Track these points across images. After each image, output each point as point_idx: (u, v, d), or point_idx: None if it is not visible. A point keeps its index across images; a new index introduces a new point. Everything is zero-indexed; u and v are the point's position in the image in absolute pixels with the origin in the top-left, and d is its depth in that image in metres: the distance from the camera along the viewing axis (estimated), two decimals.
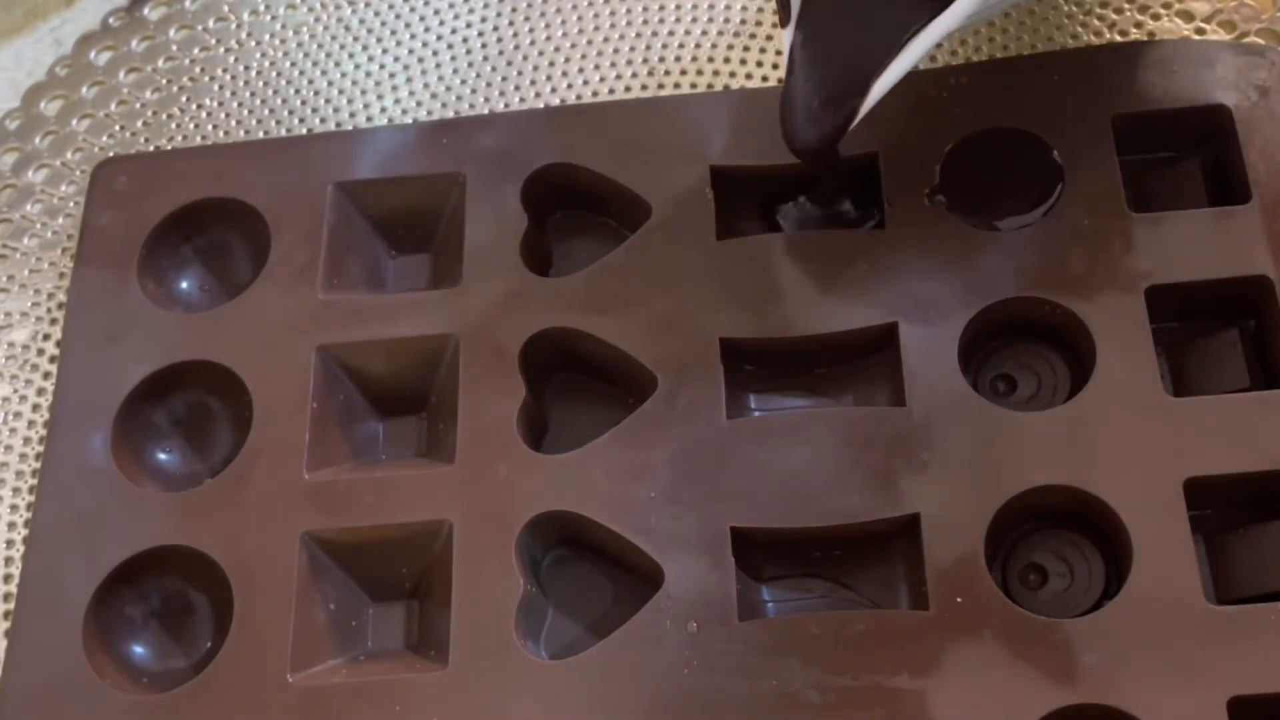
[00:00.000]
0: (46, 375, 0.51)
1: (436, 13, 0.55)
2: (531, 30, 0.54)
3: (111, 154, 0.53)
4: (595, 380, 0.47)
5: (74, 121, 0.55)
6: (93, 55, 0.56)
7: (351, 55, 0.55)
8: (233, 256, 0.50)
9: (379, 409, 0.48)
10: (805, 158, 0.44)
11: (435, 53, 0.54)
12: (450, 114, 0.53)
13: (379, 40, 0.55)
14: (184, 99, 0.55)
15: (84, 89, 0.55)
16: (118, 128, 0.54)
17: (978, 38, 0.52)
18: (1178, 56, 0.48)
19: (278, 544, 0.44)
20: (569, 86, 0.53)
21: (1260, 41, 0.50)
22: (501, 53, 0.54)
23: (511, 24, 0.55)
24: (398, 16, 0.55)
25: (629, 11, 0.54)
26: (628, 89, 0.53)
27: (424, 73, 0.54)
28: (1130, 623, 0.40)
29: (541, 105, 0.53)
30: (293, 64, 0.55)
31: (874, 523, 0.42)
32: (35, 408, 0.50)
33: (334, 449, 0.46)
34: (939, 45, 0.45)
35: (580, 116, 0.50)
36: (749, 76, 0.52)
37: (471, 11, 0.55)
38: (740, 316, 0.45)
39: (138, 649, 0.45)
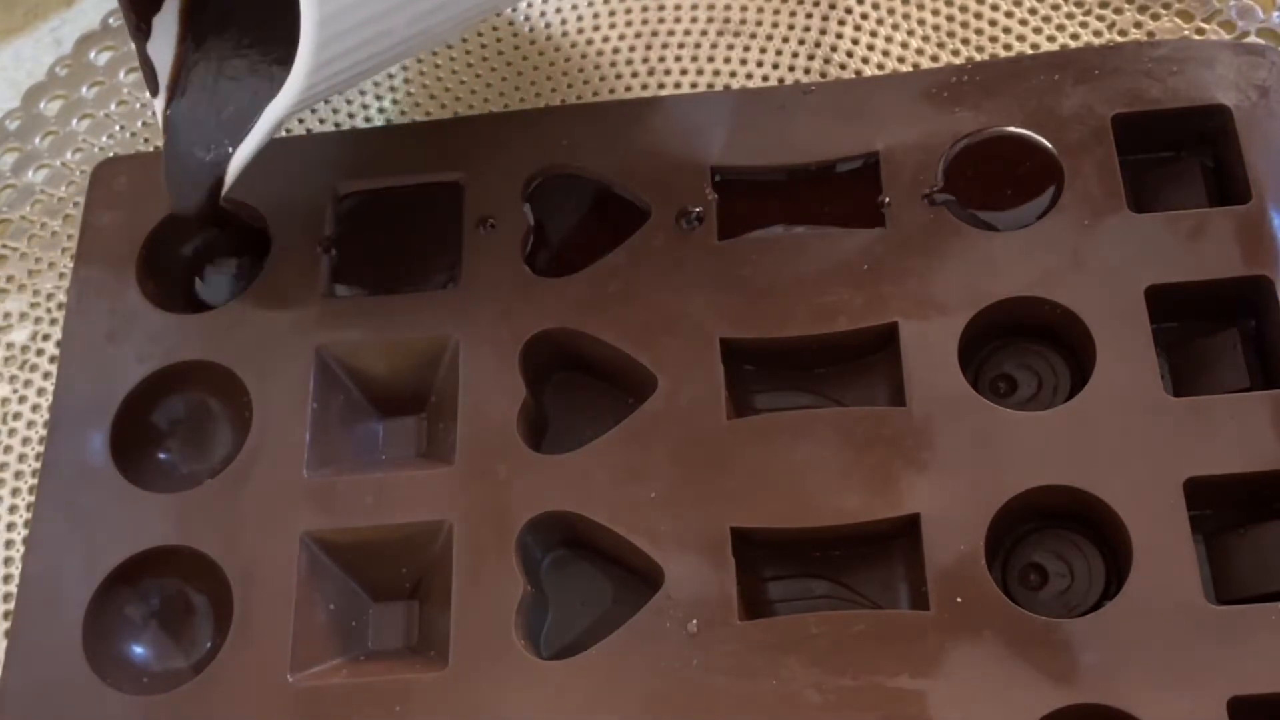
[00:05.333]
0: (46, 375, 0.51)
1: None
2: (532, 30, 0.54)
3: (111, 154, 0.53)
4: (595, 380, 0.47)
5: (74, 121, 0.55)
6: (93, 55, 0.56)
7: None
8: (232, 257, 0.50)
9: (379, 409, 0.48)
10: (192, 221, 0.46)
11: (435, 53, 0.54)
12: (450, 114, 0.53)
13: None
14: None
15: (84, 89, 0.55)
16: (118, 128, 0.55)
17: (980, 37, 0.52)
18: (1178, 56, 0.48)
19: (278, 544, 0.44)
20: (569, 86, 0.53)
21: (1260, 41, 0.50)
22: (501, 53, 0.54)
23: (511, 24, 0.55)
24: None
25: (629, 11, 0.54)
26: (628, 89, 0.53)
27: (424, 73, 0.54)
28: (1130, 623, 0.40)
29: (542, 105, 0.53)
30: None
31: (874, 523, 0.42)
32: (35, 408, 0.50)
33: (334, 449, 0.46)
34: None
35: (580, 116, 0.50)
36: (749, 76, 0.52)
37: None
38: (740, 316, 0.45)
39: (138, 649, 0.45)
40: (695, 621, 0.42)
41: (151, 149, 0.54)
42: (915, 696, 0.40)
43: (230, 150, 0.43)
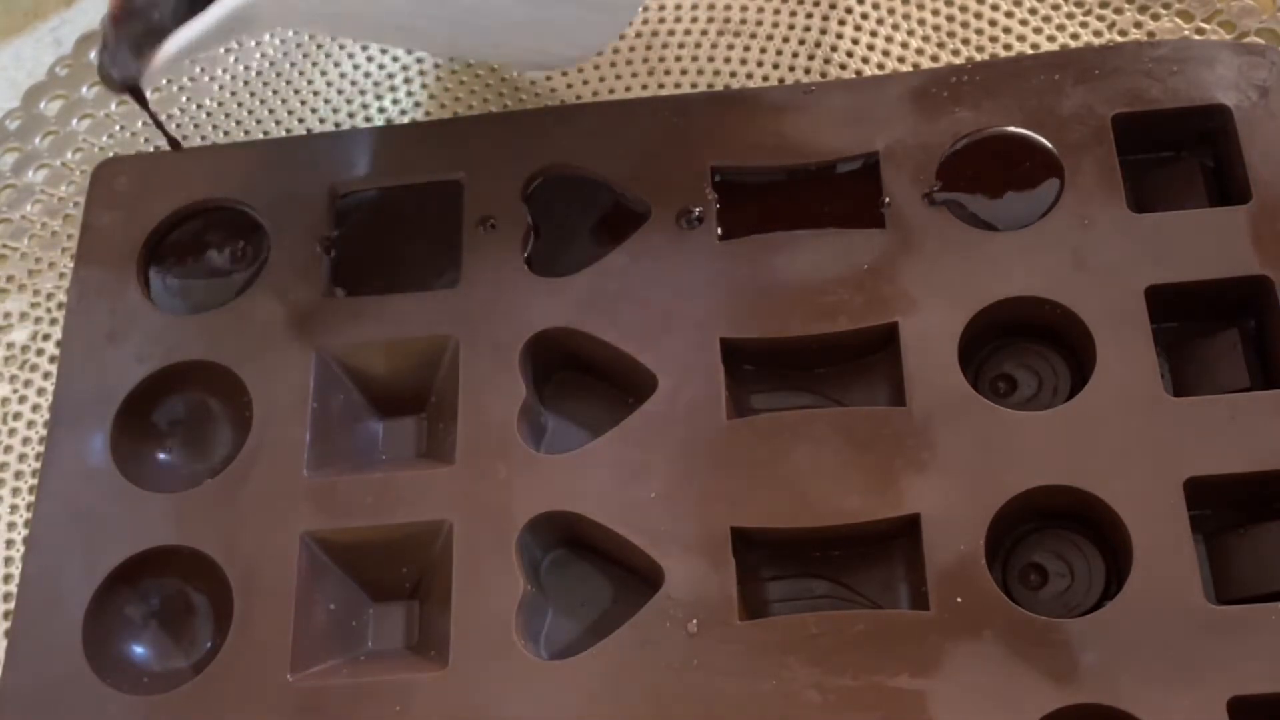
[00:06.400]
0: (46, 375, 0.51)
1: None
2: None
3: (111, 154, 0.53)
4: (595, 380, 0.47)
5: (74, 121, 0.55)
6: (93, 55, 0.56)
7: (351, 55, 0.55)
8: (232, 257, 0.50)
9: (379, 409, 0.48)
10: (113, 90, 0.44)
11: None
12: (450, 114, 0.53)
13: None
14: (184, 99, 0.55)
15: (84, 89, 0.55)
16: (118, 128, 0.55)
17: (980, 37, 0.52)
18: (1178, 56, 0.48)
19: (278, 544, 0.44)
20: (569, 86, 0.53)
21: (1260, 41, 0.50)
22: None
23: None
24: None
25: None
26: (628, 89, 0.53)
27: (424, 73, 0.54)
28: (1130, 623, 0.40)
29: (542, 105, 0.53)
30: (292, 64, 0.55)
31: (874, 523, 0.42)
32: (35, 408, 0.50)
33: (334, 449, 0.46)
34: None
35: (580, 116, 0.50)
36: (749, 76, 0.52)
37: None
38: (740, 316, 0.45)
39: (138, 649, 0.45)
40: (695, 621, 0.42)
41: (152, 149, 0.54)
42: (915, 696, 0.40)
43: (164, 33, 0.41)
